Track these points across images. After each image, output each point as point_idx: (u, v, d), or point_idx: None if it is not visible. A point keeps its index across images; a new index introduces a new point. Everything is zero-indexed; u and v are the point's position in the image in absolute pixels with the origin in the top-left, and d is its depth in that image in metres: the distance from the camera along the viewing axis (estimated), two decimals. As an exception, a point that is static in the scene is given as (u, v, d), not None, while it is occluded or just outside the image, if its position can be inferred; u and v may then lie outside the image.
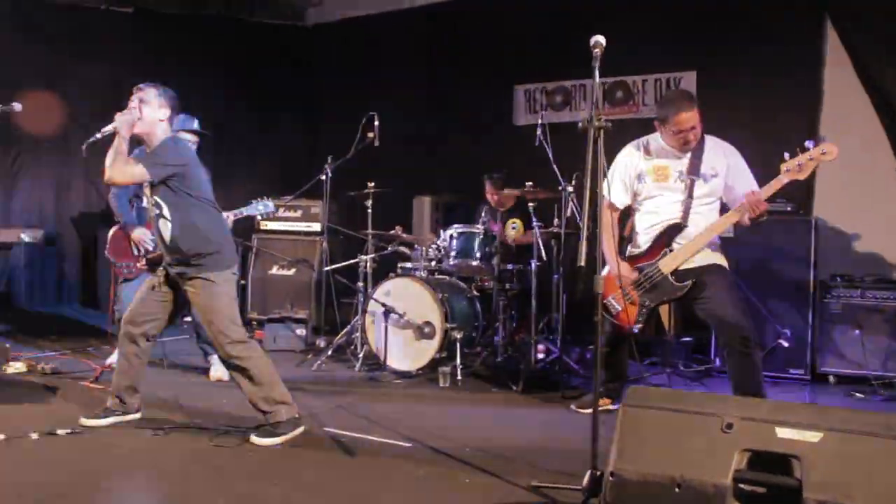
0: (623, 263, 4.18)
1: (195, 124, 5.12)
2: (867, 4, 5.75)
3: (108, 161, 3.54)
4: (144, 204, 3.82)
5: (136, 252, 5.07)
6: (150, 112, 3.66)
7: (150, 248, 4.91)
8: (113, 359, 4.71)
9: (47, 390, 4.52)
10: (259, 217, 5.14)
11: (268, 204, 5.16)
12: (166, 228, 3.72)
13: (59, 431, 3.63)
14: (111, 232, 5.20)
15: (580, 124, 2.93)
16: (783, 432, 2.22)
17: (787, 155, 3.83)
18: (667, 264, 4.06)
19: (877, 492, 2.05)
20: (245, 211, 5.10)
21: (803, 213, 5.53)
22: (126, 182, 3.71)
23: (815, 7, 6.03)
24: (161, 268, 3.86)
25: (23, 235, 6.36)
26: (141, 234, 4.98)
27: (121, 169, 3.53)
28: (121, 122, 3.59)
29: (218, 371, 4.95)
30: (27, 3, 6.96)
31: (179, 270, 3.76)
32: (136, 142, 3.71)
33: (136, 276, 5.04)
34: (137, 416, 3.93)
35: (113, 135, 3.59)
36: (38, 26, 7.00)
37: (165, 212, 3.69)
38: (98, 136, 3.63)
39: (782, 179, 3.83)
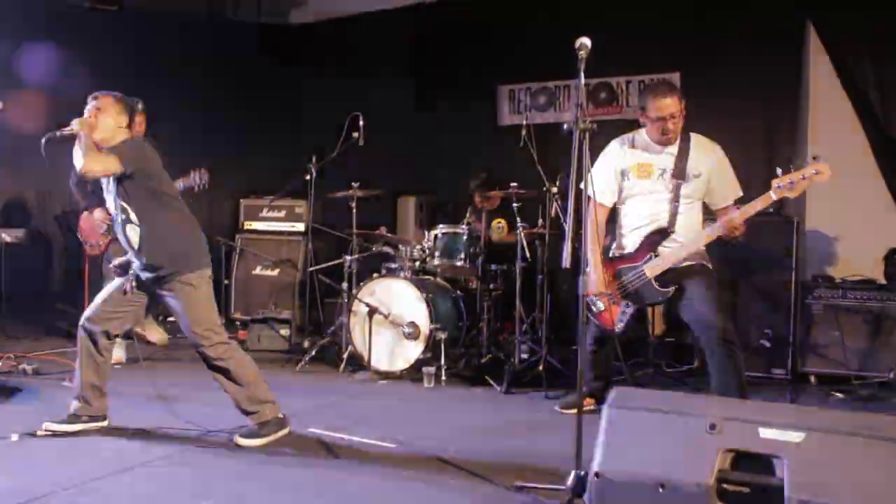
0: (602, 271, 4.12)
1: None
2: (847, 4, 5.80)
3: (78, 154, 3.43)
4: (112, 210, 3.69)
5: (101, 230, 5.26)
6: (106, 121, 3.58)
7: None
8: None
9: (29, 391, 4.48)
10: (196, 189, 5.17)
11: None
12: (135, 233, 3.59)
13: (39, 433, 3.59)
14: (82, 217, 5.39)
15: (565, 126, 2.95)
16: (766, 433, 2.24)
17: (779, 171, 3.73)
18: (652, 269, 4.06)
19: (858, 491, 2.08)
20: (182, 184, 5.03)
21: (786, 214, 5.57)
22: (102, 172, 3.52)
23: (799, 8, 6.08)
24: (131, 274, 3.68)
25: (4, 235, 6.27)
26: (103, 213, 5.09)
27: (95, 159, 3.44)
28: (80, 124, 3.50)
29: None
30: (5, 1, 6.86)
31: (154, 275, 3.63)
32: None
33: (103, 253, 5.27)
34: (104, 423, 3.73)
35: (70, 136, 3.49)
36: (19, 23, 6.90)
37: (133, 216, 3.57)
38: (57, 133, 3.51)
39: (772, 196, 3.73)
